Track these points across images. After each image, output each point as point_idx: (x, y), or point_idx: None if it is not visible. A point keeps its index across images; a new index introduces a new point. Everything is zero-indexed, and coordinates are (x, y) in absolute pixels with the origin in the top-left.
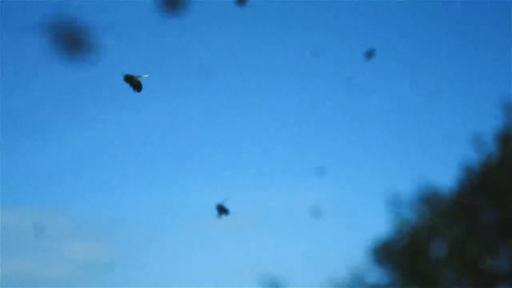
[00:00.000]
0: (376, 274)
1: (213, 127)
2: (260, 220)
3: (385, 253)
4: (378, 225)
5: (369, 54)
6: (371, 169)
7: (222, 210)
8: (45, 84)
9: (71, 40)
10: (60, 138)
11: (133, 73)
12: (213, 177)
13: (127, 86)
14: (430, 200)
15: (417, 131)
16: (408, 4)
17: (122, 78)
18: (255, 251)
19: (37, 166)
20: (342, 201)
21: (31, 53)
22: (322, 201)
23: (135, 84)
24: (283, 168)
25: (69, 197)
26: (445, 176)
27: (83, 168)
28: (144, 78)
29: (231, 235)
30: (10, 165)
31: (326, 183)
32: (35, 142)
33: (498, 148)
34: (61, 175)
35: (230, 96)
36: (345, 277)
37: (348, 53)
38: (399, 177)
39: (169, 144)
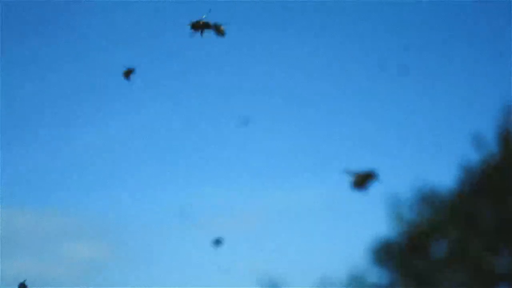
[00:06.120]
0: (376, 274)
1: (214, 127)
2: (260, 220)
3: (385, 253)
4: (378, 225)
5: (218, 242)
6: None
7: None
8: (45, 85)
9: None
10: (60, 139)
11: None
12: (214, 177)
13: (126, 86)
14: (430, 200)
15: (417, 132)
16: (408, 5)
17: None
18: (255, 251)
19: (37, 166)
20: (342, 201)
21: (31, 53)
22: (322, 201)
23: (218, 30)
24: (284, 168)
25: (69, 197)
26: (445, 176)
27: (83, 168)
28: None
29: (231, 235)
30: (10, 165)
31: (326, 183)
32: (35, 142)
33: (497, 149)
34: (61, 175)
35: (232, 97)
36: (345, 277)
37: (348, 54)
38: (399, 177)
39: (170, 144)
